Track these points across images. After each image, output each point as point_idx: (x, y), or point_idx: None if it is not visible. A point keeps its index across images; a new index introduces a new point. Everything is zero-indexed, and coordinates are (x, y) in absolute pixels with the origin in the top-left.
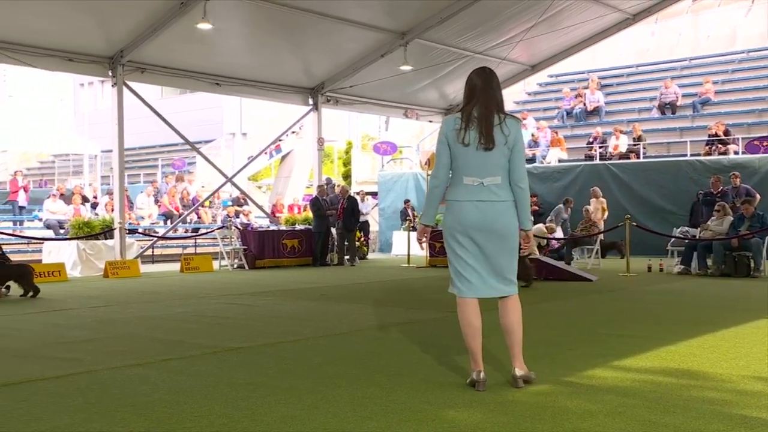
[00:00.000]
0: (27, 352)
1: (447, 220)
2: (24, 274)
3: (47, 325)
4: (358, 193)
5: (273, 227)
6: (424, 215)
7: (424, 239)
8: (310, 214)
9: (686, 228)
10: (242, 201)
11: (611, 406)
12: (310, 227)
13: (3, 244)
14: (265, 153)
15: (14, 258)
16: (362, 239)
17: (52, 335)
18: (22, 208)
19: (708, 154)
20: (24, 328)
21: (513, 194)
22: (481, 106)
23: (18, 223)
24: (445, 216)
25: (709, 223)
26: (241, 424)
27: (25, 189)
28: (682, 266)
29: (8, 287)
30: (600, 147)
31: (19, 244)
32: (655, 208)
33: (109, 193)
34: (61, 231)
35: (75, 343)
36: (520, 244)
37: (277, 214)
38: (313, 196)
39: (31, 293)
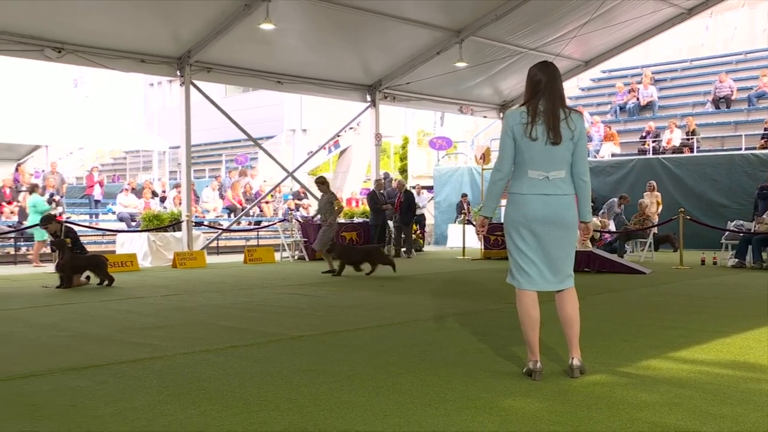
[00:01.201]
0: (105, 337)
1: (510, 213)
2: (99, 264)
3: (122, 312)
4: (414, 187)
5: None
6: (484, 207)
7: (482, 230)
8: (368, 208)
9: (741, 221)
10: (302, 195)
11: (667, 396)
12: (368, 220)
13: (80, 235)
14: (324, 148)
15: (90, 249)
16: (418, 232)
17: (127, 321)
18: (97, 201)
19: (764, 147)
20: (101, 315)
21: (575, 187)
22: (547, 101)
23: (94, 215)
24: (507, 209)
25: (764, 216)
26: (305, 408)
27: (100, 184)
28: (737, 259)
29: (88, 277)
30: (653, 141)
31: (95, 235)
32: (708, 201)
33: (177, 187)
34: (133, 223)
35: (148, 329)
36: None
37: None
38: (371, 190)
39: (106, 282)
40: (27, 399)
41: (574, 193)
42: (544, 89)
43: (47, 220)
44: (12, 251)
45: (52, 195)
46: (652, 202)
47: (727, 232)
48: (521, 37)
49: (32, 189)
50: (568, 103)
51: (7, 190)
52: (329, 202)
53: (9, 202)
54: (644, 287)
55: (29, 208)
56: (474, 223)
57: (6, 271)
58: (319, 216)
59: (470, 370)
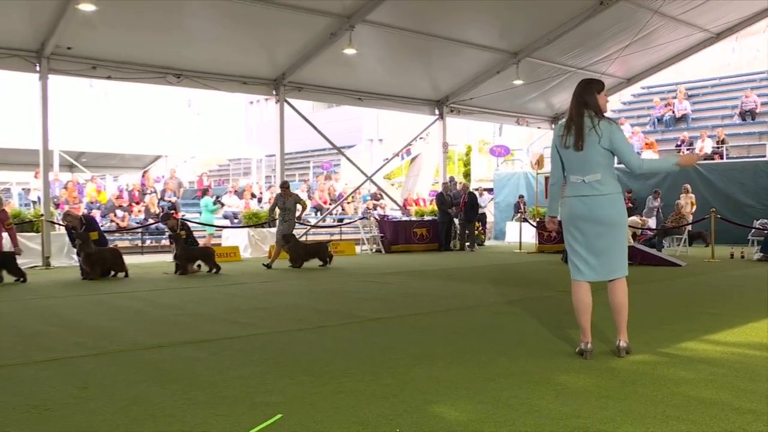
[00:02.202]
0: (215, 316)
1: (562, 214)
2: (208, 254)
3: (228, 296)
4: (476, 190)
5: (404, 218)
6: (548, 208)
7: (553, 227)
8: (436, 207)
9: (765, 220)
10: (379, 196)
11: (703, 374)
12: (436, 218)
13: (192, 230)
14: (398, 155)
15: (201, 242)
16: (480, 228)
17: (232, 303)
18: None
19: None
20: (211, 298)
21: (645, 173)
22: (571, 113)
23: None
24: (561, 211)
25: None
26: (385, 380)
27: (208, 187)
28: (762, 254)
29: (199, 265)
30: (687, 149)
31: (204, 231)
32: (736, 202)
33: (271, 189)
34: (236, 220)
35: (250, 310)
36: (634, 234)
37: (408, 207)
38: (439, 192)
39: (214, 270)
40: (155, 365)
41: (615, 192)
42: (571, 104)
43: (166, 218)
44: (139, 243)
45: (209, 192)
46: (687, 203)
47: (753, 230)
48: (570, 57)
49: (204, 192)
50: (612, 115)
51: (136, 193)
52: (296, 202)
53: (137, 203)
54: (680, 278)
55: (202, 208)
56: (531, 221)
57: (134, 260)
58: (279, 214)
59: (529, 350)
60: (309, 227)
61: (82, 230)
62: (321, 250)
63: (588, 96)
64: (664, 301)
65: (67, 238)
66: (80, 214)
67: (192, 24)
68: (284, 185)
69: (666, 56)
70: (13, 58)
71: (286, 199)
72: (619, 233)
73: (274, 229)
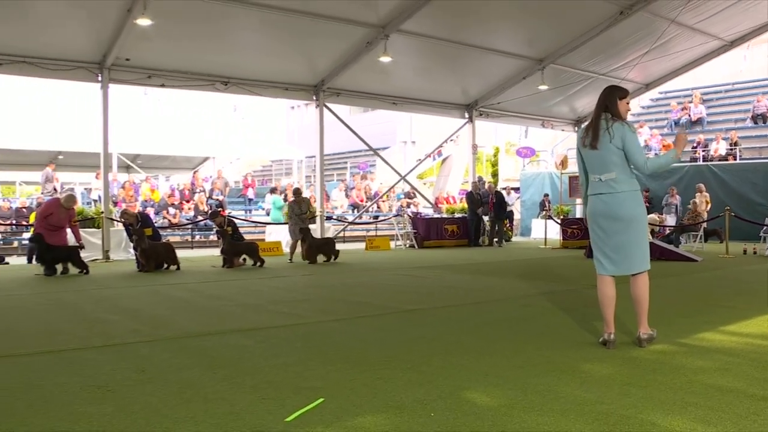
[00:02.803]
0: (260, 307)
1: (585, 212)
2: (252, 248)
3: (271, 288)
4: (504, 189)
5: (436, 215)
6: (583, 207)
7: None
8: (466, 205)
9: None
10: (412, 194)
11: (720, 363)
12: (466, 215)
13: (238, 226)
14: (430, 156)
15: (246, 237)
16: (508, 225)
17: (276, 295)
18: (250, 200)
19: None
20: (256, 289)
21: (652, 173)
22: (591, 116)
23: (248, 211)
24: (584, 209)
25: None
26: (420, 368)
27: (252, 186)
28: None
29: (244, 259)
30: (702, 151)
31: (249, 227)
32: (749, 201)
33: (311, 188)
34: None
35: (292, 302)
36: (652, 230)
37: (439, 205)
38: (468, 191)
39: (258, 264)
40: (206, 352)
41: (632, 190)
42: (595, 108)
43: (214, 215)
44: (189, 238)
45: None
46: (701, 201)
47: (765, 227)
48: (592, 64)
49: (272, 190)
50: (632, 119)
51: (186, 192)
52: (308, 208)
53: (187, 201)
54: (696, 273)
55: (271, 205)
56: (555, 218)
57: (184, 254)
58: (297, 215)
59: (554, 340)
60: (347, 224)
61: (138, 227)
62: (328, 246)
63: (609, 101)
64: (681, 294)
65: (125, 234)
66: (136, 211)
67: (238, 35)
68: (297, 192)
69: (682, 63)
70: (78, 69)
71: (300, 206)
72: (638, 229)
73: (313, 226)
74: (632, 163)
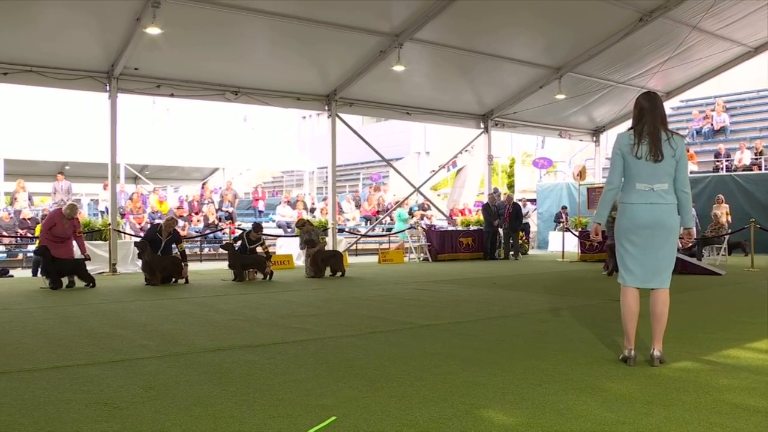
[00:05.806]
0: (271, 321)
1: (621, 221)
2: (260, 261)
3: (282, 302)
4: (520, 200)
5: (451, 228)
6: (597, 215)
7: (596, 237)
8: (482, 217)
9: None
10: (426, 206)
11: (746, 382)
12: (482, 227)
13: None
14: (444, 167)
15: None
16: (524, 238)
17: (287, 309)
18: (261, 212)
19: None
20: (266, 304)
21: (677, 198)
22: (649, 125)
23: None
24: (618, 217)
25: None
26: (435, 385)
27: (263, 198)
28: None
29: (255, 272)
30: (726, 161)
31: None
32: None
33: (324, 200)
34: (289, 230)
35: (303, 316)
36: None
37: (454, 217)
38: (485, 203)
39: (266, 277)
40: (215, 368)
41: (674, 203)
42: (647, 115)
43: (258, 229)
44: (198, 251)
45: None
46: (722, 213)
47: None
48: (611, 72)
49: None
50: None
51: (195, 203)
52: (318, 235)
53: (196, 213)
54: (720, 287)
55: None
56: (572, 231)
57: (194, 267)
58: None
59: (573, 356)
60: (359, 236)
61: (165, 241)
62: (335, 259)
63: (662, 108)
64: (704, 309)
65: (132, 247)
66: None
67: (249, 44)
68: (301, 224)
69: (704, 70)
70: (86, 79)
71: (311, 234)
72: (674, 242)
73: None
74: (681, 178)
